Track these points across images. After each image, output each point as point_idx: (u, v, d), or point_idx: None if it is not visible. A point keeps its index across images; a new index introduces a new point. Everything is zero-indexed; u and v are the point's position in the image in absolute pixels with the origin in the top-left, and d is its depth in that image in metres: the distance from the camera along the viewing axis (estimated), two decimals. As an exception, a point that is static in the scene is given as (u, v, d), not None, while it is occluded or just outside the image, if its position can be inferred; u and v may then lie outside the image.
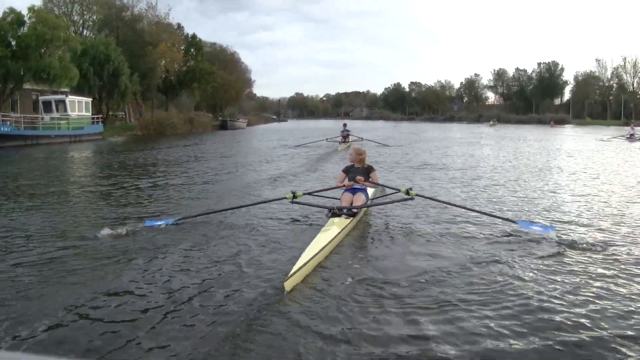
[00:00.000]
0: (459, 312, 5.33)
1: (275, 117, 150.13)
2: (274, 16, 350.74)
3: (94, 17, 65.51)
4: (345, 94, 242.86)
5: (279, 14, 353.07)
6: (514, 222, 9.13)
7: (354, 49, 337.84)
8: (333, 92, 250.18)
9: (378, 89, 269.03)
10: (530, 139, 43.68)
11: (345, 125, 35.58)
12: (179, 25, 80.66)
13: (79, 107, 44.56)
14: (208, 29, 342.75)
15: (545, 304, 5.52)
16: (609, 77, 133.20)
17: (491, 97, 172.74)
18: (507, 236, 8.63)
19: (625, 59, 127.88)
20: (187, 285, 6.26)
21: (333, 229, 8.17)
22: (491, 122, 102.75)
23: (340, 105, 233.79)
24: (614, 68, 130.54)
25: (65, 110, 42.71)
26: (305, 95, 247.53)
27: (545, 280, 6.29)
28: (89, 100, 47.06)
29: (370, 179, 10.36)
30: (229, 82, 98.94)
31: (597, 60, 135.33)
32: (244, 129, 75.44)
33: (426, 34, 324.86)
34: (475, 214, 9.98)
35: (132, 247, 7.98)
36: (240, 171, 19.40)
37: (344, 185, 10.15)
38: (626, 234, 8.83)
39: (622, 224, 9.63)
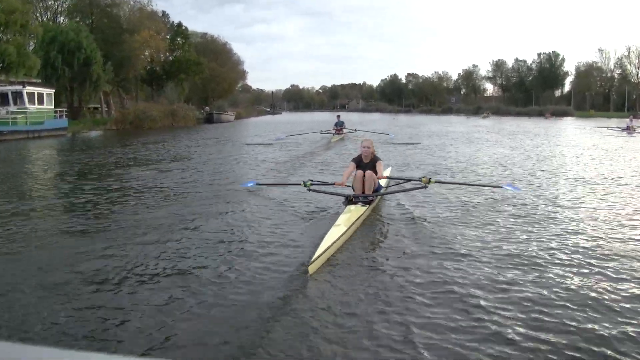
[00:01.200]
0: (473, 299, 5.35)
1: (269, 109, 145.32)
2: (271, 10, 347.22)
3: (68, 2, 60.45)
4: (342, 85, 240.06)
5: (276, 7, 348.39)
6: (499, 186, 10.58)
7: (352, 42, 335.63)
8: (329, 85, 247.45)
9: (374, 81, 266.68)
10: (535, 133, 39.73)
11: (339, 116, 34.60)
12: (163, 13, 75.71)
13: (39, 99, 39.09)
14: (204, 23, 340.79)
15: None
16: (612, 67, 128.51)
17: (489, 88, 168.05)
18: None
19: (629, 48, 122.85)
20: (210, 263, 6.68)
21: (351, 217, 8.31)
22: (484, 114, 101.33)
23: (336, 97, 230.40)
24: (618, 58, 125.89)
25: (23, 103, 37.26)
26: (300, 87, 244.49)
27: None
28: (51, 91, 41.63)
29: (376, 170, 10.13)
30: (220, 74, 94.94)
31: (600, 51, 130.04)
32: (232, 122, 70.37)
33: (424, 27, 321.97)
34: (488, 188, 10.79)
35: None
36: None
37: (350, 183, 10.07)
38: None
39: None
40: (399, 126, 50.83)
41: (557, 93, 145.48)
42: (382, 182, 10.69)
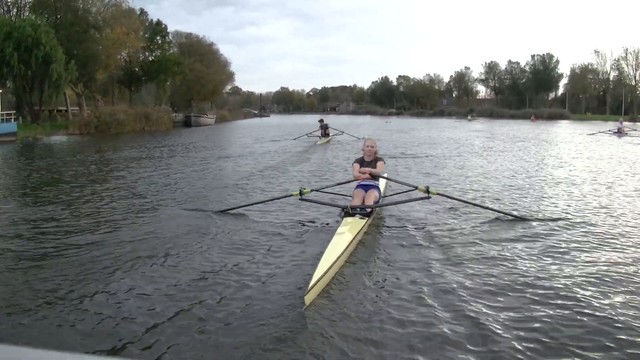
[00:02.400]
0: (482, 318, 5.13)
1: (256, 112, 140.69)
2: (261, 12, 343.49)
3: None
4: (332, 88, 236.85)
5: (266, 9, 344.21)
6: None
7: (342, 44, 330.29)
8: (319, 87, 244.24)
9: (365, 83, 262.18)
10: (531, 139, 36.97)
11: (321, 120, 34.48)
12: (142, 10, 70.41)
13: (-19, 101, 33.35)
14: (194, 26, 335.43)
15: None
16: (608, 69, 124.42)
17: (482, 90, 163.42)
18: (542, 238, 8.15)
19: (626, 49, 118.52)
20: (195, 297, 5.79)
21: (349, 232, 7.73)
22: (469, 117, 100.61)
23: (327, 100, 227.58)
24: (615, 60, 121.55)
25: (-38, 105, 31.59)
26: (290, 89, 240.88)
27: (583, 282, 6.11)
28: (-3, 91, 36.13)
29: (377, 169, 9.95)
30: (205, 75, 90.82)
31: (596, 52, 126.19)
32: (212, 125, 65.15)
33: (415, 29, 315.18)
34: (496, 214, 9.71)
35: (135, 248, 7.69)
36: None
37: (357, 179, 9.83)
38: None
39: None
40: (389, 130, 47.06)
41: (552, 95, 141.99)
42: (381, 185, 10.44)
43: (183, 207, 11.00)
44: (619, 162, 20.48)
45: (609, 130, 42.59)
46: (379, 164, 10.10)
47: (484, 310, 5.27)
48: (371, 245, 7.99)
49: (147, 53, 69.96)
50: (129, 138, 39.50)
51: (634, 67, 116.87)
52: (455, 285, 5.99)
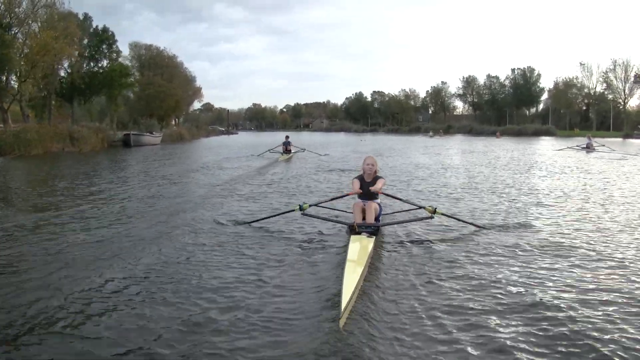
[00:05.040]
0: (499, 333, 5.22)
1: (223, 129, 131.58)
2: (234, 28, 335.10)
3: None
4: (306, 104, 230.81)
5: (240, 25, 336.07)
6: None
7: (316, 60, 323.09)
8: (293, 103, 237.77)
9: (339, 99, 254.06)
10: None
11: (287, 137, 35.58)
12: (86, 15, 60.75)
13: None
14: (169, 41, 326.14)
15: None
16: (595, 82, 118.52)
17: (460, 106, 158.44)
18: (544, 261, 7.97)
19: (615, 61, 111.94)
20: (216, 320, 5.57)
21: (361, 251, 7.55)
22: (430, 133, 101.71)
23: (300, 116, 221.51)
24: (603, 72, 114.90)
25: None
26: (263, 106, 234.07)
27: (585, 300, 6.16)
28: None
29: (377, 183, 9.84)
30: (165, 90, 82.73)
31: (582, 64, 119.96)
32: (157, 145, 55.11)
33: (390, 44, 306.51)
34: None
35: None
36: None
37: (357, 193, 9.71)
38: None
39: None
40: (358, 153, 38.67)
41: (533, 110, 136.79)
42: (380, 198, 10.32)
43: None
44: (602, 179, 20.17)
45: (577, 146, 44.03)
46: (380, 181, 9.88)
47: (506, 331, 5.28)
48: (382, 263, 7.86)
49: (92, 63, 60.33)
50: (44, 161, 30.93)
51: (622, 80, 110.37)
52: (471, 302, 6.09)
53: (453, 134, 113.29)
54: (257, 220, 10.51)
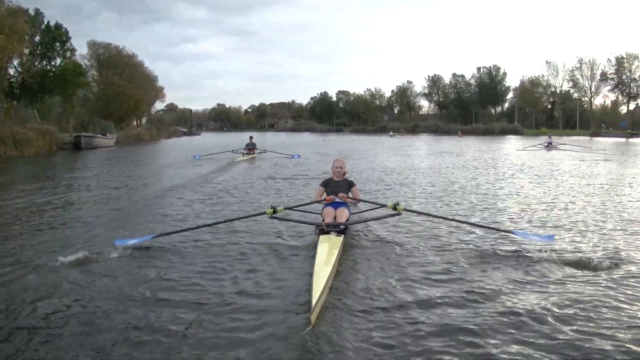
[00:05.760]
0: (466, 331, 5.18)
1: (185, 130, 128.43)
2: (196, 28, 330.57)
3: None
4: (270, 104, 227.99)
5: (202, 26, 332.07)
6: (510, 232, 9.17)
7: (280, 60, 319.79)
8: (257, 103, 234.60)
9: (304, 99, 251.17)
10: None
11: (251, 137, 35.85)
12: (37, 11, 57.61)
13: None
14: (130, 42, 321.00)
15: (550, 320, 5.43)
16: (561, 81, 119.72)
17: (425, 105, 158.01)
18: (505, 247, 8.59)
19: (581, 60, 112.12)
20: (179, 320, 5.51)
21: (330, 249, 7.66)
22: (391, 133, 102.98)
23: (265, 117, 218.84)
24: (569, 71, 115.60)
25: None
26: (227, 106, 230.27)
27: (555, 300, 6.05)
28: None
29: (351, 194, 10.19)
30: (125, 90, 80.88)
31: (547, 63, 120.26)
32: (111, 147, 52.18)
33: (354, 43, 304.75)
34: (465, 225, 9.93)
35: (103, 273, 7.22)
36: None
37: (325, 200, 9.75)
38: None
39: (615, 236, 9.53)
40: (323, 154, 37.87)
41: (499, 109, 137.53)
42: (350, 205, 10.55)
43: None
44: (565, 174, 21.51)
45: (539, 144, 45.43)
46: (353, 189, 10.20)
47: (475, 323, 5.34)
48: (351, 261, 7.92)
49: (44, 62, 57.17)
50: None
51: (589, 78, 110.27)
52: (440, 296, 6.19)
53: (418, 133, 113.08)
54: (222, 222, 10.08)
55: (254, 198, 14.71)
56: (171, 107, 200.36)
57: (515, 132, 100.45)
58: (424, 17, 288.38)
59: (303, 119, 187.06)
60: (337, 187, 10.05)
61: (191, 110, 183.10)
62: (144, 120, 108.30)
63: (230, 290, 6.44)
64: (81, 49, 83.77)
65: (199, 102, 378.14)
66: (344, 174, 10.43)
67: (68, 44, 59.23)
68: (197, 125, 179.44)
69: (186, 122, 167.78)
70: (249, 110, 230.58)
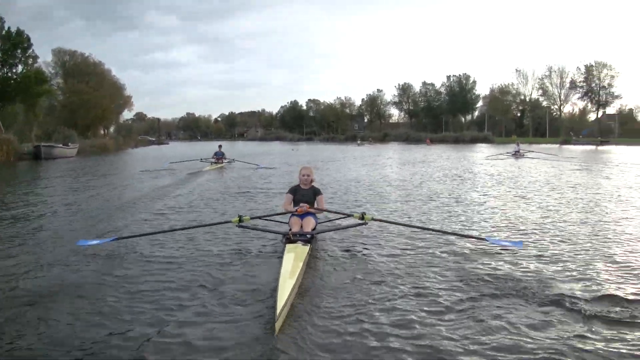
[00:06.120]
0: (435, 336, 5.27)
1: (154, 139, 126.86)
2: (167, 36, 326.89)
3: None
4: (240, 113, 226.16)
5: (173, 34, 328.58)
6: (481, 238, 9.40)
7: (251, 69, 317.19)
8: (227, 112, 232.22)
9: (274, 108, 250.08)
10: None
11: (220, 147, 35.44)
12: (-1, 18, 55.94)
13: None
14: (99, 50, 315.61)
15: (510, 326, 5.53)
16: (530, 89, 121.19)
17: (395, 114, 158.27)
18: (475, 253, 8.70)
19: (550, 68, 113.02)
20: (139, 330, 5.42)
21: (296, 258, 7.62)
22: (358, 142, 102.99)
23: (235, 126, 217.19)
24: (539, 79, 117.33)
25: None
26: (197, 115, 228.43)
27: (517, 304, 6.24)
28: None
29: (316, 203, 10.08)
30: (91, 99, 79.78)
31: (517, 71, 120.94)
32: (72, 157, 50.45)
33: (324, 52, 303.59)
34: (435, 233, 10.11)
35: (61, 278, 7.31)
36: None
37: (296, 211, 9.61)
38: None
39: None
40: (290, 164, 37.02)
41: (469, 117, 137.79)
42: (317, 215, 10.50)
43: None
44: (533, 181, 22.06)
45: (507, 153, 45.67)
46: (319, 198, 10.08)
47: (433, 323, 5.57)
48: (317, 270, 7.94)
49: (4, 69, 55.44)
50: None
51: (558, 86, 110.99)
52: (405, 300, 6.31)
53: (389, 141, 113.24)
54: (187, 229, 10.34)
55: (219, 207, 14.55)
56: (140, 116, 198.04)
57: (485, 140, 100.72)
58: (395, 25, 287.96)
59: (273, 128, 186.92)
60: (304, 195, 10.02)
61: (159, 119, 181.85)
62: (112, 129, 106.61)
63: (194, 299, 6.44)
64: (47, 57, 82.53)
65: (169, 111, 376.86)
66: (311, 181, 10.34)
67: (30, 51, 57.85)
68: (167, 135, 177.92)
69: (155, 131, 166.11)
70: (219, 119, 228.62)
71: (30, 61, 58.13)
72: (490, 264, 7.95)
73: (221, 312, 5.91)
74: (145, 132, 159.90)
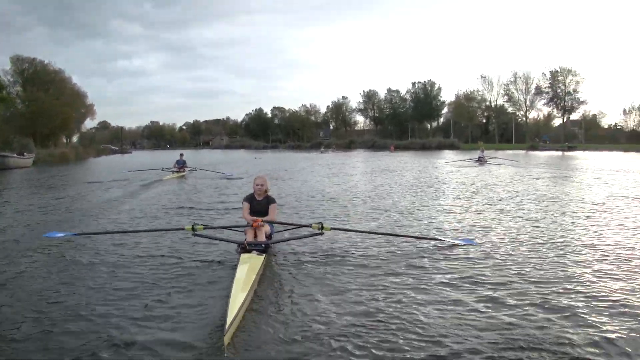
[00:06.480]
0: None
1: (116, 148, 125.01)
2: (131, 45, 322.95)
3: None
4: (205, 121, 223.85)
5: (137, 42, 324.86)
6: (435, 239, 10.10)
7: (215, 77, 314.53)
8: (192, 121, 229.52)
9: (239, 116, 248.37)
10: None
11: (181, 155, 35.04)
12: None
13: None
14: (63, 58, 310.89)
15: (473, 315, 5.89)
16: (495, 95, 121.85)
17: (361, 121, 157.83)
18: (432, 253, 9.11)
19: (515, 74, 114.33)
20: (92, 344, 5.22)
21: (250, 268, 7.53)
22: (322, 149, 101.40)
23: (200, 134, 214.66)
24: (504, 85, 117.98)
25: None
26: (161, 123, 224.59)
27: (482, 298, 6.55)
28: None
29: (268, 212, 9.79)
30: (51, 107, 77.56)
31: (482, 77, 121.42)
32: (28, 167, 48.66)
33: (290, 61, 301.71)
34: (393, 238, 10.45)
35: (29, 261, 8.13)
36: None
37: (251, 225, 9.19)
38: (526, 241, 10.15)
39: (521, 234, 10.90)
40: (250, 174, 34.37)
41: (435, 124, 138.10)
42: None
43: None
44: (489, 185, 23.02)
45: (470, 159, 45.22)
46: (271, 207, 9.85)
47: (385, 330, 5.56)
48: (272, 280, 7.89)
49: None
50: None
51: (524, 92, 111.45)
52: (357, 310, 6.20)
53: (354, 148, 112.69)
54: (141, 231, 10.65)
55: (175, 216, 14.56)
56: (104, 125, 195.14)
57: (452, 146, 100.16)
58: (359, 32, 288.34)
59: (238, 136, 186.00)
60: (258, 204, 9.93)
61: (122, 128, 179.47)
62: (75, 139, 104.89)
63: (141, 307, 6.33)
64: (5, 64, 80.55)
65: (134, 120, 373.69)
66: (265, 191, 10.15)
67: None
68: (131, 143, 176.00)
69: (119, 140, 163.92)
70: (184, 127, 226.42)
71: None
72: (444, 262, 8.45)
73: (168, 323, 5.77)
74: (109, 141, 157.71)
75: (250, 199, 9.99)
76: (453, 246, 9.59)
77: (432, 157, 63.65)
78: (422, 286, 7.03)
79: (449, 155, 69.35)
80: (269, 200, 9.97)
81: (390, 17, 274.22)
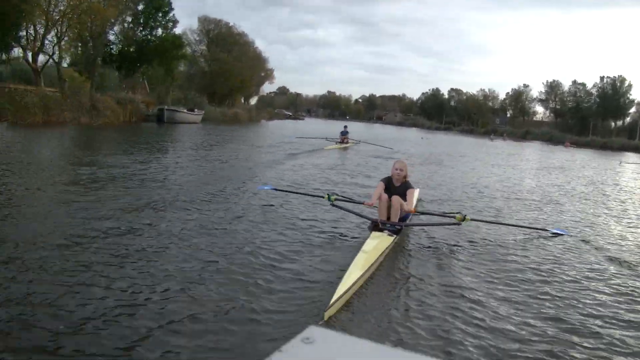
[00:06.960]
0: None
1: (290, 113, 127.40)
2: (316, 15, 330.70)
3: None
4: (381, 96, 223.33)
5: (322, 13, 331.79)
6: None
7: (396, 54, 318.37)
8: (368, 94, 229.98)
9: (415, 94, 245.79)
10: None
11: (345, 127, 36.25)
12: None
13: None
14: (249, 23, 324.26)
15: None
16: None
17: (540, 112, 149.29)
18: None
19: None
20: (206, 294, 5.67)
21: (376, 248, 7.47)
22: (491, 137, 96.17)
23: (374, 108, 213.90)
24: None
25: None
26: (337, 94, 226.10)
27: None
28: None
29: (406, 198, 9.14)
30: (231, 68, 79.90)
31: None
32: (196, 123, 50.11)
33: (474, 44, 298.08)
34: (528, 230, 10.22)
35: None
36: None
37: (371, 205, 9.14)
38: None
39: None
40: (410, 154, 34.15)
41: (620, 123, 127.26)
42: (414, 200, 10.46)
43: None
44: None
45: None
46: (409, 192, 9.32)
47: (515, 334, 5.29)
48: (397, 264, 7.67)
49: (145, 31, 55.73)
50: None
51: None
52: (478, 308, 5.92)
53: (529, 140, 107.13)
54: (282, 191, 11.48)
55: (320, 184, 15.21)
56: (282, 91, 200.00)
57: (637, 149, 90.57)
58: (547, 20, 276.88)
59: (412, 114, 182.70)
60: (395, 191, 9.44)
61: (298, 94, 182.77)
62: (253, 101, 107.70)
63: (262, 268, 6.63)
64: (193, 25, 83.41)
65: (311, 88, 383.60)
66: (405, 177, 9.64)
67: (170, 15, 58.10)
68: (306, 111, 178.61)
69: (296, 106, 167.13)
70: (359, 99, 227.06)
71: (170, 25, 58.24)
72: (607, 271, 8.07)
73: (277, 291, 5.86)
74: (285, 106, 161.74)
75: (387, 181, 9.56)
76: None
77: (615, 159, 55.94)
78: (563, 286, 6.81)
79: (631, 158, 63.33)
80: (407, 186, 9.49)
81: (580, 10, 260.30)
